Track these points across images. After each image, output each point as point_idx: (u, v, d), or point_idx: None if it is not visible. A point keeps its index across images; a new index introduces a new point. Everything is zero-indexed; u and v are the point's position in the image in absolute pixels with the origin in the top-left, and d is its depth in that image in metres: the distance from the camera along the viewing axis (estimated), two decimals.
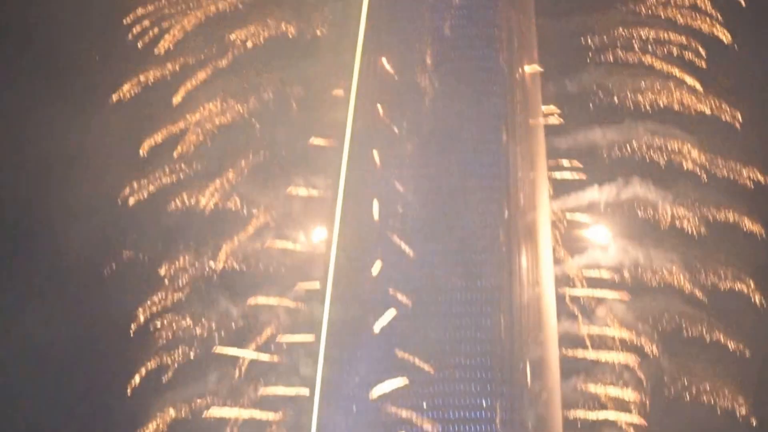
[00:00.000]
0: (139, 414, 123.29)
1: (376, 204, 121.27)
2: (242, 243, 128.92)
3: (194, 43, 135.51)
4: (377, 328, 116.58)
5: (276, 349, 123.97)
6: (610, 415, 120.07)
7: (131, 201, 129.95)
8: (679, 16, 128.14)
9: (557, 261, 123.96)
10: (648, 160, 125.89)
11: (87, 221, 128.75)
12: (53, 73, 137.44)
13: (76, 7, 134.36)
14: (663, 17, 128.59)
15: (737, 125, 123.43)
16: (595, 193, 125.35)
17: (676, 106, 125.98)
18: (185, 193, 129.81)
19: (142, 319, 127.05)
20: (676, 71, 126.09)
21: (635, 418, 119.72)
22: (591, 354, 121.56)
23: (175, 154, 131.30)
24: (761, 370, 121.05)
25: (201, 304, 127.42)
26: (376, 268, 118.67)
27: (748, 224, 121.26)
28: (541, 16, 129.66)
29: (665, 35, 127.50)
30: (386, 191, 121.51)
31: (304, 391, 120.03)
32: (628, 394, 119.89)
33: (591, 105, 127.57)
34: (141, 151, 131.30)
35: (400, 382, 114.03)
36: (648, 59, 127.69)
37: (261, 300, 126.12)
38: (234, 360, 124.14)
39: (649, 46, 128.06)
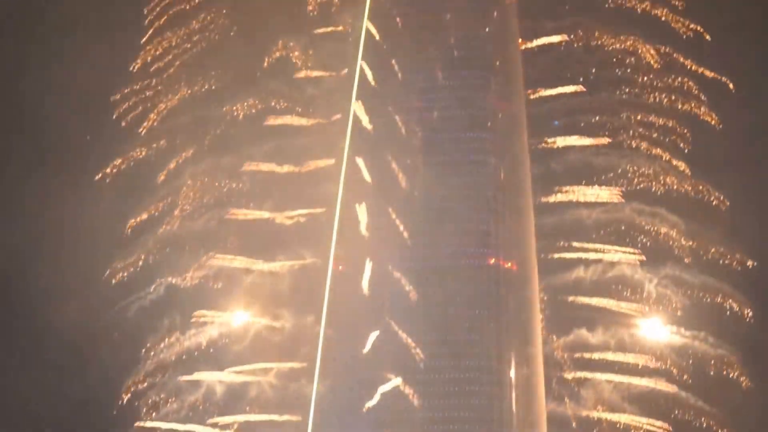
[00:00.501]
0: None
1: (366, 280, 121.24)
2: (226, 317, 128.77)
3: (181, 120, 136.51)
4: (366, 406, 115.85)
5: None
6: None
7: (115, 279, 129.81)
8: (666, 99, 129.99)
9: (545, 341, 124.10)
10: (634, 240, 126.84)
11: (71, 298, 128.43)
12: (41, 150, 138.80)
13: (64, 84, 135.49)
14: (650, 101, 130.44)
15: (723, 207, 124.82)
16: (581, 272, 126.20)
17: (662, 188, 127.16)
18: (168, 270, 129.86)
19: (124, 397, 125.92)
20: (664, 154, 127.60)
21: None
22: None
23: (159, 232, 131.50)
24: None
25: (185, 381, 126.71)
26: (368, 345, 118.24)
27: (735, 305, 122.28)
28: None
29: (653, 118, 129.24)
30: (378, 269, 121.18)
31: None
32: None
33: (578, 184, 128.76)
34: (127, 230, 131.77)
35: None
36: (635, 141, 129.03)
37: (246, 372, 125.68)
38: None
39: (638, 129, 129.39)
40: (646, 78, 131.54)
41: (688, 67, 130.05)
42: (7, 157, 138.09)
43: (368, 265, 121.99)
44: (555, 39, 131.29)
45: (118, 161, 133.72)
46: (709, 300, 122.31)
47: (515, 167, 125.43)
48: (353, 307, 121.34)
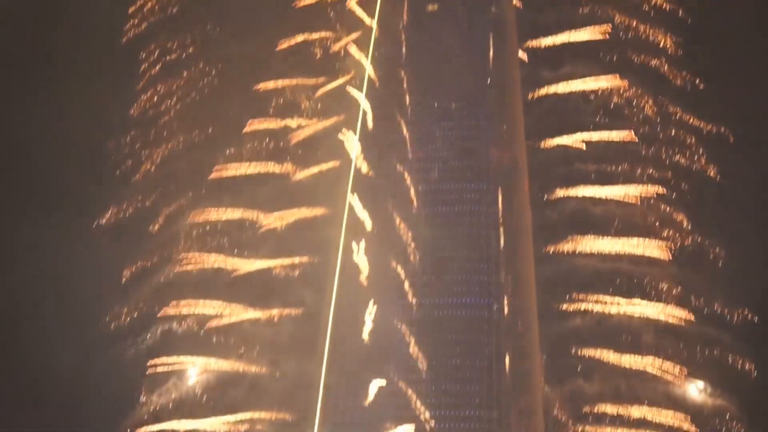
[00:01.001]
0: None
1: (367, 329, 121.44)
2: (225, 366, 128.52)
3: (177, 166, 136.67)
4: None
5: None
6: None
7: (113, 326, 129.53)
8: (664, 151, 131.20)
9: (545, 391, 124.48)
10: (632, 290, 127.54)
11: (68, 344, 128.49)
12: (37, 197, 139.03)
13: (61, 133, 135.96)
14: (648, 153, 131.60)
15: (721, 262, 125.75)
16: (578, 322, 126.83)
17: (661, 239, 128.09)
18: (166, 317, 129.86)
19: None
20: (663, 206, 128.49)
21: None
22: None
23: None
24: None
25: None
26: (371, 394, 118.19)
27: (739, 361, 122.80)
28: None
29: (651, 170, 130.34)
30: (379, 317, 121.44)
31: None
32: None
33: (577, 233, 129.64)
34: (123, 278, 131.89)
35: None
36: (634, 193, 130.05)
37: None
38: None
39: (636, 179, 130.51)
40: (642, 130, 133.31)
41: (687, 119, 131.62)
42: (3, 204, 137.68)
43: (369, 314, 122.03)
44: (555, 89, 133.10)
45: (114, 209, 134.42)
46: (707, 352, 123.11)
47: (516, 217, 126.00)
48: (354, 356, 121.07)
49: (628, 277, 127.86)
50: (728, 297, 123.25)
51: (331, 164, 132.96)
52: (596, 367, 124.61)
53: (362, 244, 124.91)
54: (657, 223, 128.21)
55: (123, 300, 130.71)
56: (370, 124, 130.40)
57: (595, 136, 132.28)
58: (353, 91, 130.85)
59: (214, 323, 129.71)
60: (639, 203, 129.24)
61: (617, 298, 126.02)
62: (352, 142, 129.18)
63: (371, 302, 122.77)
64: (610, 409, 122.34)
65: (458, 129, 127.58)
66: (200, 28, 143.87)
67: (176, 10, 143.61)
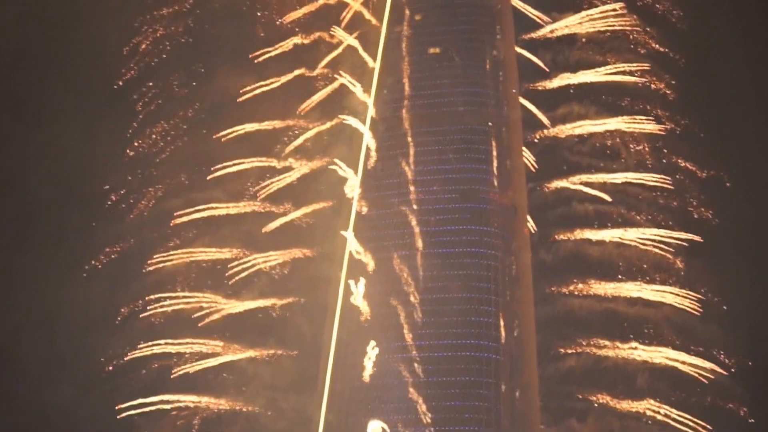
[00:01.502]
0: None
1: (367, 368, 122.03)
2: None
3: (172, 206, 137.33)
4: None
5: None
6: None
7: (108, 364, 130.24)
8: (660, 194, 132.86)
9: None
10: (626, 332, 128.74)
11: (62, 382, 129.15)
12: (35, 237, 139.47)
13: (58, 173, 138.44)
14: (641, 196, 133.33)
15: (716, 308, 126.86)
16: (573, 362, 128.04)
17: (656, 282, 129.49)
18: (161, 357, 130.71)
19: None
20: (657, 246, 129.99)
21: None
22: None
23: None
24: None
25: None
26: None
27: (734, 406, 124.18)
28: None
29: (647, 213, 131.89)
30: (379, 357, 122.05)
31: None
32: None
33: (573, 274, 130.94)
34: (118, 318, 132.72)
35: None
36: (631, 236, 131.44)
37: None
38: None
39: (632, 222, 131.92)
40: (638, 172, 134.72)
41: (682, 163, 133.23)
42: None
43: (369, 353, 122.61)
44: (554, 131, 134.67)
45: (109, 248, 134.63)
46: (703, 396, 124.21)
47: (515, 259, 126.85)
48: (353, 395, 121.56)
49: (624, 319, 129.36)
50: (724, 341, 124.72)
51: (330, 203, 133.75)
52: (590, 409, 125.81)
53: (361, 283, 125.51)
54: (654, 266, 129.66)
55: (119, 337, 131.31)
56: (371, 163, 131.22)
57: (593, 178, 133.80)
58: (359, 126, 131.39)
59: (210, 362, 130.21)
60: (636, 246, 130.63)
61: (614, 342, 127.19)
62: (352, 181, 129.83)
63: (371, 342, 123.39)
64: None
65: (459, 172, 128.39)
66: (193, 69, 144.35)
67: (170, 51, 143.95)
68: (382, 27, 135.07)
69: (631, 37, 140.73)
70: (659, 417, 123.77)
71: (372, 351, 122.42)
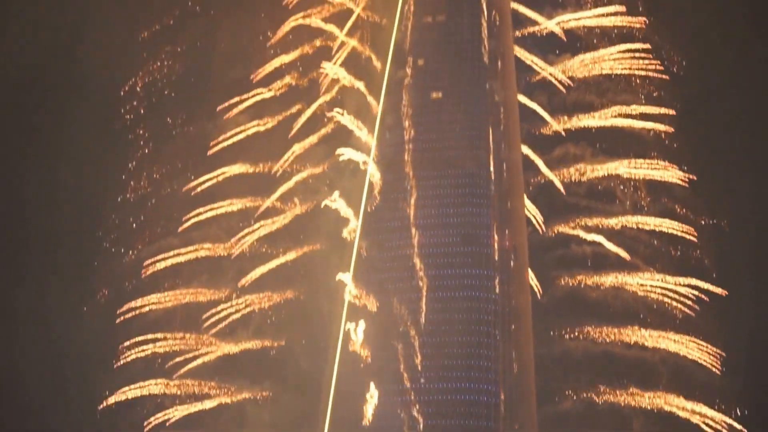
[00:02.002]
0: None
1: (368, 408, 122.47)
2: None
3: (168, 245, 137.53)
4: None
5: None
6: None
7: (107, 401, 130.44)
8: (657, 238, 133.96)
9: None
10: (620, 377, 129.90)
11: (61, 418, 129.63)
12: (35, 277, 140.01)
13: (58, 215, 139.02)
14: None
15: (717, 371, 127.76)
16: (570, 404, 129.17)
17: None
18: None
19: None
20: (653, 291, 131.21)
21: None
22: None
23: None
24: None
25: None
26: None
27: None
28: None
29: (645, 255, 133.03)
30: (380, 399, 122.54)
31: None
32: None
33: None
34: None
35: None
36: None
37: None
38: None
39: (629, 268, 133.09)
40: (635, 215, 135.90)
41: (680, 210, 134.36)
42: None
43: (369, 395, 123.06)
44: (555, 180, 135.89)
45: (107, 288, 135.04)
46: None
47: (515, 302, 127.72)
48: None
49: (621, 362, 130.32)
50: (721, 389, 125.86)
51: (329, 243, 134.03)
52: None
53: (361, 327, 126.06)
54: (651, 311, 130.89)
55: (118, 376, 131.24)
56: (372, 205, 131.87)
57: (590, 221, 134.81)
58: (361, 165, 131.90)
59: (208, 402, 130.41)
60: (634, 291, 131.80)
61: (611, 385, 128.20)
62: (353, 223, 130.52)
63: (371, 384, 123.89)
64: None
65: (460, 215, 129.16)
66: (191, 109, 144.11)
67: (164, 93, 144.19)
68: (385, 71, 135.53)
69: (630, 80, 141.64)
70: None
71: (372, 394, 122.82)
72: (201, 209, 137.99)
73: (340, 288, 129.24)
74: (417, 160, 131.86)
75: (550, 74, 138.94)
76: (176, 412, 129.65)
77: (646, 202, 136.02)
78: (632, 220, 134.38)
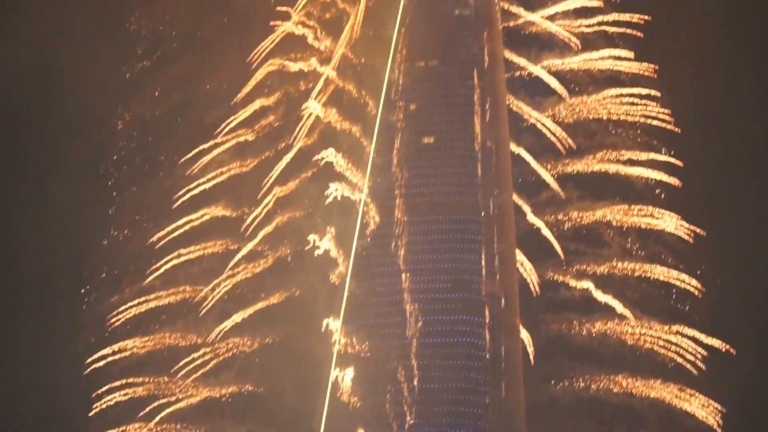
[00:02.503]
0: None
1: None
2: None
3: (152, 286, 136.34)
4: None
5: None
6: None
7: None
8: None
9: None
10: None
11: None
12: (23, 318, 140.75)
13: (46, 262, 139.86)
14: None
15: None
16: None
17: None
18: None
19: None
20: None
21: None
22: None
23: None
24: None
25: None
26: None
27: None
28: None
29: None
30: None
31: None
32: None
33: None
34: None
35: None
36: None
37: None
38: None
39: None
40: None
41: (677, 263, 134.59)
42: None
43: None
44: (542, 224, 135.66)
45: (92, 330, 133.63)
46: None
47: (506, 349, 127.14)
48: None
49: (608, 408, 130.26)
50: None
51: (318, 284, 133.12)
52: None
53: (349, 375, 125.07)
54: (641, 358, 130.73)
55: (104, 418, 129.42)
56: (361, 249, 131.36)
57: (579, 267, 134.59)
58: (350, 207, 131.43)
59: None
60: (622, 337, 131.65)
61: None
62: (343, 264, 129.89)
63: (359, 430, 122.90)
64: None
65: (451, 261, 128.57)
66: (170, 149, 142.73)
67: (151, 139, 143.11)
68: (377, 114, 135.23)
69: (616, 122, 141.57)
70: None
71: None
72: (182, 250, 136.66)
73: (327, 333, 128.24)
74: (408, 205, 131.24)
75: (549, 130, 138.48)
76: None
77: (635, 245, 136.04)
78: (621, 266, 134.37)
